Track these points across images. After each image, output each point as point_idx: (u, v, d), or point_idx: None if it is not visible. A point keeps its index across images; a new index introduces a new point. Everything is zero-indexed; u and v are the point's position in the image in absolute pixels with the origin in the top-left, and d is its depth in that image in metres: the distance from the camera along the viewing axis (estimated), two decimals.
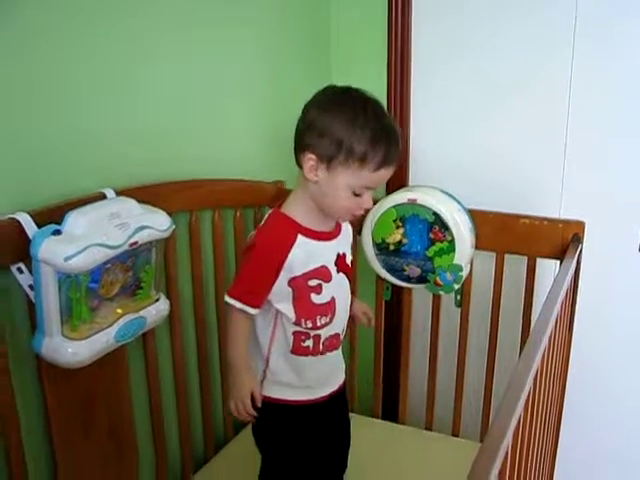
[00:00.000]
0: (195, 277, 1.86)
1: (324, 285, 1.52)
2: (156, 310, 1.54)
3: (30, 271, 1.32)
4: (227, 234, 1.98)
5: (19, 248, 1.30)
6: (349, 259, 1.61)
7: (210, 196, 1.87)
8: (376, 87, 2.41)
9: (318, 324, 1.53)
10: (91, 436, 1.60)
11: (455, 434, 2.26)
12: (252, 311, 1.49)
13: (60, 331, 1.33)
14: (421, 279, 2.04)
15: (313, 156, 1.42)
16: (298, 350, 1.54)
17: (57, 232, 1.29)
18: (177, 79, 1.77)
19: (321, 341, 1.55)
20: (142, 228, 1.39)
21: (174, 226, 1.50)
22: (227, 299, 1.50)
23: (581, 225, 1.94)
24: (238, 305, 1.48)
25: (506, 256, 2.05)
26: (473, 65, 2.29)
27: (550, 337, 1.49)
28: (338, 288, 1.56)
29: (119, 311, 1.45)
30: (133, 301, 1.48)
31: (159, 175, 1.71)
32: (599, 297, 2.28)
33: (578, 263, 1.91)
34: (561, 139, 2.22)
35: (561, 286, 1.64)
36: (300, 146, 1.46)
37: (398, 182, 2.38)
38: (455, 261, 1.97)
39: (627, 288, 2.29)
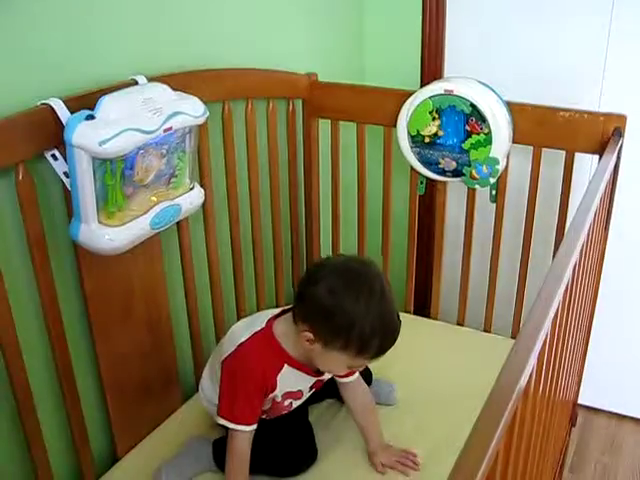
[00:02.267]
0: (228, 168, 1.85)
1: (294, 402, 1.59)
2: (191, 198, 1.53)
3: (65, 158, 1.31)
4: (260, 125, 1.95)
5: (53, 134, 1.28)
6: (326, 378, 1.61)
7: (242, 86, 1.84)
8: None
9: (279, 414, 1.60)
10: (129, 326, 1.63)
11: (487, 330, 2.27)
12: (248, 428, 1.48)
13: (96, 218, 1.33)
14: (456, 172, 2.01)
15: (311, 334, 1.39)
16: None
17: (90, 117, 1.27)
18: None
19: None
20: (176, 114, 1.37)
21: (208, 113, 1.48)
22: (219, 420, 1.49)
23: (623, 119, 1.88)
24: (231, 426, 1.47)
25: (543, 152, 2.01)
26: None
27: (588, 231, 1.47)
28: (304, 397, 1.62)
29: (154, 199, 1.44)
30: (167, 189, 1.47)
31: (190, 64, 1.67)
32: (637, 194, 2.24)
33: (618, 158, 1.87)
34: (604, 29, 2.13)
35: (600, 180, 1.61)
36: (300, 313, 1.43)
37: (433, 73, 2.33)
38: (492, 154, 1.93)
39: None
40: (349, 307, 1.34)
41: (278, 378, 1.49)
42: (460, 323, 2.31)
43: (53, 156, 1.32)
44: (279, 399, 1.54)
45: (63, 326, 1.44)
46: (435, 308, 2.34)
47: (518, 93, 1.99)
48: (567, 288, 1.22)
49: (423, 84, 2.24)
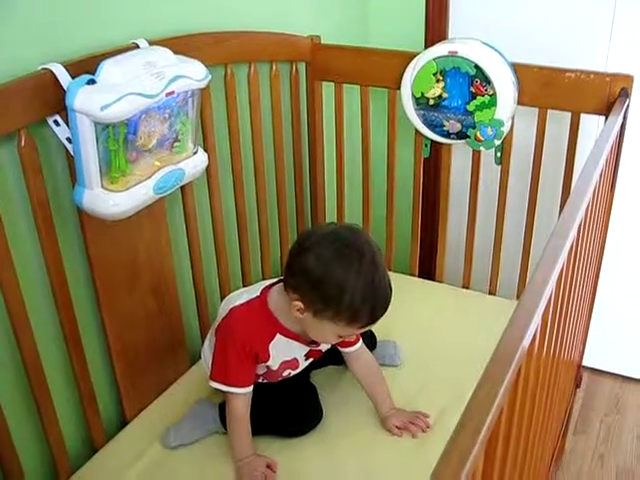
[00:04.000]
0: (232, 132, 1.84)
1: (292, 372, 1.59)
2: (194, 163, 1.52)
3: (67, 123, 1.30)
4: (263, 89, 1.94)
5: (54, 100, 1.28)
6: (324, 348, 1.60)
7: (245, 49, 1.82)
8: None
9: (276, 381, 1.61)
10: (135, 291, 1.64)
11: (492, 292, 2.27)
12: (242, 390, 1.49)
13: (100, 183, 1.33)
14: (461, 135, 2.00)
15: (301, 304, 1.38)
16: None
17: (92, 82, 1.26)
18: None
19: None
20: (178, 77, 1.35)
21: (210, 76, 1.47)
22: (212, 383, 1.51)
23: (629, 79, 1.86)
24: (224, 389, 1.49)
25: (549, 114, 1.99)
26: None
27: (594, 191, 1.46)
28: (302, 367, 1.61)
29: (157, 163, 1.43)
30: (171, 154, 1.47)
31: (191, 27, 1.65)
32: None
33: (624, 119, 1.85)
34: None
35: (606, 140, 1.60)
36: (290, 283, 1.41)
37: (437, 34, 2.30)
38: (496, 116, 1.92)
39: None
40: (339, 276, 1.33)
41: (270, 347, 1.49)
42: (465, 286, 2.31)
43: (55, 122, 1.32)
44: (275, 368, 1.54)
45: (69, 291, 1.44)
46: (440, 271, 2.34)
47: (524, 54, 1.97)
48: (572, 247, 1.22)
49: (427, 46, 2.22)
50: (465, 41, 1.96)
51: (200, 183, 1.75)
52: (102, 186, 1.34)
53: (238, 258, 2.01)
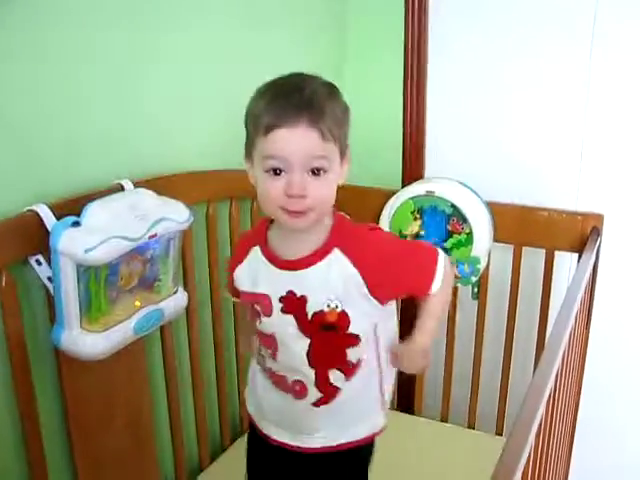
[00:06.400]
0: (211, 268, 1.85)
1: (263, 317, 1.31)
2: (174, 302, 1.53)
3: (49, 263, 1.31)
4: (244, 225, 1.97)
5: (38, 240, 1.29)
6: (311, 306, 1.26)
7: (226, 186, 1.85)
8: (392, 76, 2.38)
9: (262, 351, 1.37)
10: (110, 430, 1.60)
11: (471, 426, 2.25)
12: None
13: (79, 323, 1.33)
14: None
15: (247, 164, 1.25)
16: (257, 356, 1.41)
17: (76, 224, 1.28)
18: (179, 77, 1.71)
19: (267, 366, 1.37)
20: (161, 220, 1.38)
21: (192, 218, 1.49)
22: None
23: (600, 218, 1.93)
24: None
25: (524, 249, 2.04)
26: (490, 56, 2.25)
27: (570, 334, 1.47)
28: (281, 330, 1.29)
29: (137, 303, 1.44)
30: (151, 293, 1.47)
31: (173, 167, 1.68)
32: (617, 292, 2.25)
33: (597, 257, 1.90)
34: (579, 130, 2.18)
35: (581, 281, 1.63)
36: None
37: (415, 174, 2.36)
38: (473, 253, 1.96)
39: None
40: (250, 101, 1.21)
41: (249, 253, 1.34)
42: (444, 419, 2.29)
43: (37, 261, 1.32)
44: (246, 296, 1.35)
45: (40, 428, 1.40)
46: (419, 404, 2.32)
47: (498, 193, 2.03)
48: (551, 394, 1.22)
49: (405, 183, 2.28)
50: (442, 181, 2.02)
51: (180, 318, 1.74)
52: (81, 326, 1.33)
53: (216, 393, 1.98)
